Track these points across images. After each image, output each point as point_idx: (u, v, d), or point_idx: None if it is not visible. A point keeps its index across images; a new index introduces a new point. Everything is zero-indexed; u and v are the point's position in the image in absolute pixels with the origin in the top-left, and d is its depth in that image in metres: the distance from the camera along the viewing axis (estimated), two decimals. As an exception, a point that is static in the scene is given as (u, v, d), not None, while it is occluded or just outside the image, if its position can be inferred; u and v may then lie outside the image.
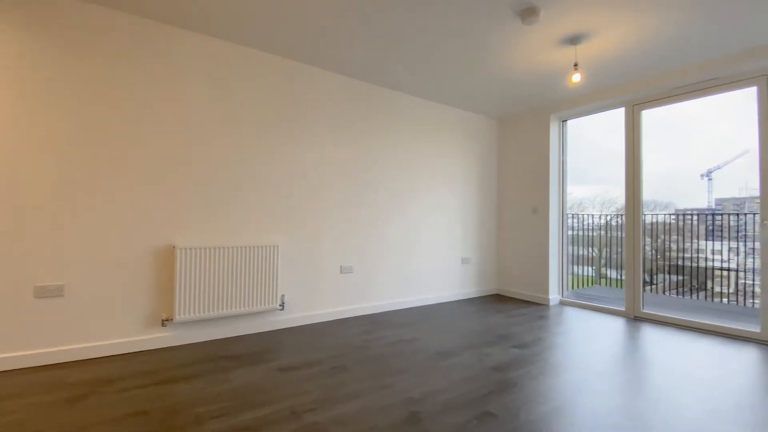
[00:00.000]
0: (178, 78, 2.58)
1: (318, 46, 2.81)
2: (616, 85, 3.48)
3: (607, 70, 3.17)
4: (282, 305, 2.98)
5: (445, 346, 2.64)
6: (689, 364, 2.33)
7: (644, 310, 3.45)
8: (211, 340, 2.66)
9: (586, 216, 5.41)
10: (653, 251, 6.02)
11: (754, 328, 2.84)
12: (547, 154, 4.13)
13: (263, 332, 2.89)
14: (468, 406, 1.77)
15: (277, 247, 2.90)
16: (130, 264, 2.42)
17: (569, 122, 4.24)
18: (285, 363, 2.28)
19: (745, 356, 2.50)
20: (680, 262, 6.18)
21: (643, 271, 3.56)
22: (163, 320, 2.50)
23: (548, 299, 4.05)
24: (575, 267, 5.70)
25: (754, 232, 4.75)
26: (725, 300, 6.83)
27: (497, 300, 4.23)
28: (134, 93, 2.43)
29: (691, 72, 3.01)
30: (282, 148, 3.02)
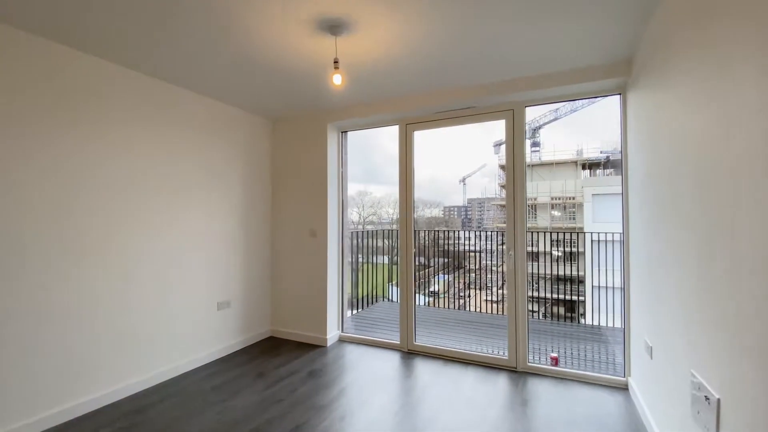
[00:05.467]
0: None
1: None
2: (388, 100, 3.14)
3: (377, 81, 2.73)
4: None
5: None
6: (461, 422, 2.10)
7: (416, 342, 3.31)
8: None
9: (383, 213, 5.40)
10: (430, 240, 6.79)
11: (503, 354, 3.01)
12: (325, 169, 3.52)
13: None
14: None
15: None
16: None
17: (355, 133, 3.77)
18: None
19: (501, 391, 2.52)
20: (447, 247, 7.36)
21: (416, 293, 3.43)
22: None
23: (326, 339, 3.46)
24: (370, 257, 5.63)
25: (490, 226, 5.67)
26: (473, 275, 8.26)
27: (268, 350, 3.35)
28: None
29: (454, 97, 2.91)
30: None
